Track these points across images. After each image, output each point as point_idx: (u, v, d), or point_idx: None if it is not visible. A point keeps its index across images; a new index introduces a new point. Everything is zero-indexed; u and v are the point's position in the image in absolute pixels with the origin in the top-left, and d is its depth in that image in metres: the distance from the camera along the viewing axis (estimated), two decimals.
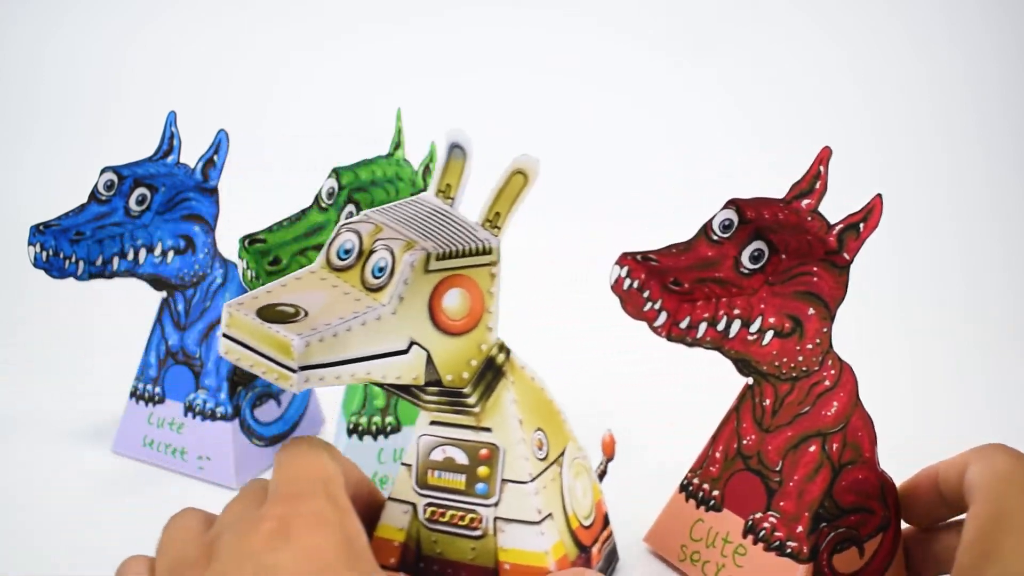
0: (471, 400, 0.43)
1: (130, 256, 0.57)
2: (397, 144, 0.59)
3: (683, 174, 1.14)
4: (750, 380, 0.48)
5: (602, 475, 0.52)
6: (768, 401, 0.47)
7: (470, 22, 1.20)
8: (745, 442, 0.48)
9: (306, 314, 0.38)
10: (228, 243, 0.59)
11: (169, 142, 0.59)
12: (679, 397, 0.73)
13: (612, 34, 1.19)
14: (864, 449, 0.46)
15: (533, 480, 0.43)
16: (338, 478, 0.38)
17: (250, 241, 0.55)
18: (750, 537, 0.47)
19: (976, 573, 0.37)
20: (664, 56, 1.19)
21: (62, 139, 1.19)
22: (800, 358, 0.45)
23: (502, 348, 0.44)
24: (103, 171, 0.57)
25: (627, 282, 0.43)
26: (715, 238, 0.45)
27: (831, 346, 0.46)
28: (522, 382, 0.45)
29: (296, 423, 0.64)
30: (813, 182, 0.45)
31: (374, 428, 0.58)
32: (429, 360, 0.41)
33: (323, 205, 0.56)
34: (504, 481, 0.43)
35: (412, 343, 0.40)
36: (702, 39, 1.19)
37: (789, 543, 0.46)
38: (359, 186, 0.56)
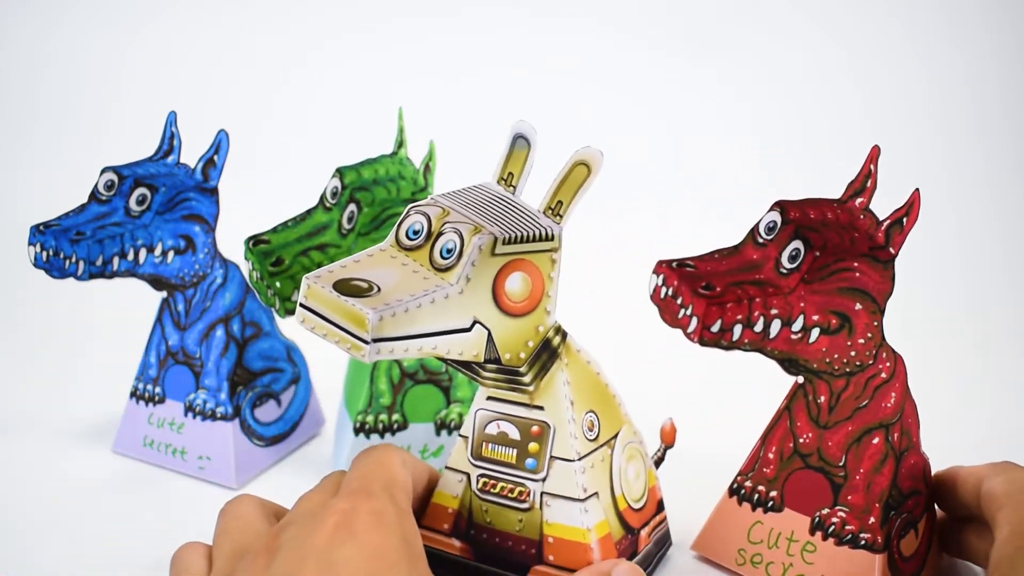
0: (526, 379, 0.45)
1: (130, 256, 0.57)
2: (400, 143, 0.59)
3: (684, 174, 1.15)
4: (799, 379, 0.48)
5: (659, 462, 0.52)
6: (823, 398, 0.47)
7: (471, 22, 1.20)
8: (802, 440, 0.48)
9: (379, 289, 0.40)
10: (233, 243, 0.59)
11: (169, 142, 0.59)
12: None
13: (613, 34, 1.19)
14: (914, 434, 0.47)
15: (580, 459, 0.45)
16: (405, 482, 0.41)
17: (254, 242, 0.55)
18: (819, 533, 0.47)
19: (1012, 565, 0.40)
20: (667, 54, 1.19)
21: (62, 139, 1.19)
22: (852, 353, 0.45)
23: (558, 331, 0.46)
24: (103, 171, 0.57)
25: (663, 291, 0.44)
26: (760, 241, 0.45)
27: (884, 339, 0.46)
28: (576, 365, 0.46)
29: (296, 423, 0.64)
30: (865, 180, 0.45)
31: (381, 426, 0.58)
32: (490, 338, 0.43)
33: (327, 205, 0.56)
34: (552, 458, 0.45)
35: (475, 322, 0.42)
36: (706, 40, 1.19)
37: (862, 535, 0.46)
38: (361, 185, 0.56)
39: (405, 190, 0.57)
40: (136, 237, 0.57)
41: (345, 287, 0.39)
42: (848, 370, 0.46)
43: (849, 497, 0.46)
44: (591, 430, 0.46)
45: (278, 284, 0.54)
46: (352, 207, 0.56)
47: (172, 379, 0.60)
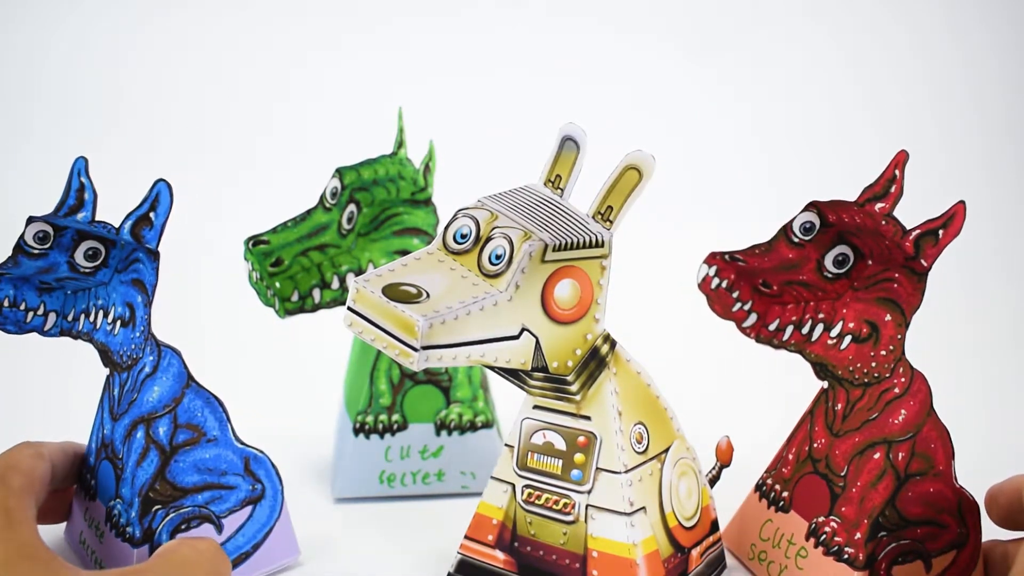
0: (573, 388, 0.44)
1: (92, 317, 0.47)
2: (400, 143, 0.59)
3: (685, 174, 1.15)
4: (825, 384, 0.48)
5: (714, 481, 0.51)
6: (840, 406, 0.47)
7: (471, 23, 1.20)
8: (816, 445, 0.48)
9: (427, 295, 0.39)
10: (233, 243, 0.58)
11: (77, 195, 0.47)
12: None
13: (612, 34, 1.19)
14: (937, 462, 0.46)
15: (627, 472, 0.44)
16: (23, 463, 0.45)
17: (254, 242, 0.55)
18: (812, 540, 0.47)
19: None
20: (665, 52, 1.19)
21: (64, 139, 1.19)
22: (873, 364, 0.45)
23: (607, 339, 0.45)
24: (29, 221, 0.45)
25: (715, 281, 0.44)
26: (796, 240, 0.45)
27: (903, 353, 0.45)
28: (625, 375, 0.45)
29: (248, 554, 0.49)
30: (888, 186, 0.45)
31: (380, 426, 0.58)
32: (537, 346, 0.42)
33: (327, 205, 0.56)
34: (598, 469, 0.44)
35: (523, 329, 0.42)
36: (706, 39, 1.19)
37: (847, 549, 0.45)
38: (361, 185, 0.56)
39: (405, 190, 0.57)
40: (98, 296, 0.47)
41: (394, 292, 0.39)
42: (866, 380, 0.45)
43: (843, 508, 0.46)
44: (639, 442, 0.45)
45: (278, 284, 0.54)
46: (352, 207, 0.56)
47: (101, 475, 0.49)
